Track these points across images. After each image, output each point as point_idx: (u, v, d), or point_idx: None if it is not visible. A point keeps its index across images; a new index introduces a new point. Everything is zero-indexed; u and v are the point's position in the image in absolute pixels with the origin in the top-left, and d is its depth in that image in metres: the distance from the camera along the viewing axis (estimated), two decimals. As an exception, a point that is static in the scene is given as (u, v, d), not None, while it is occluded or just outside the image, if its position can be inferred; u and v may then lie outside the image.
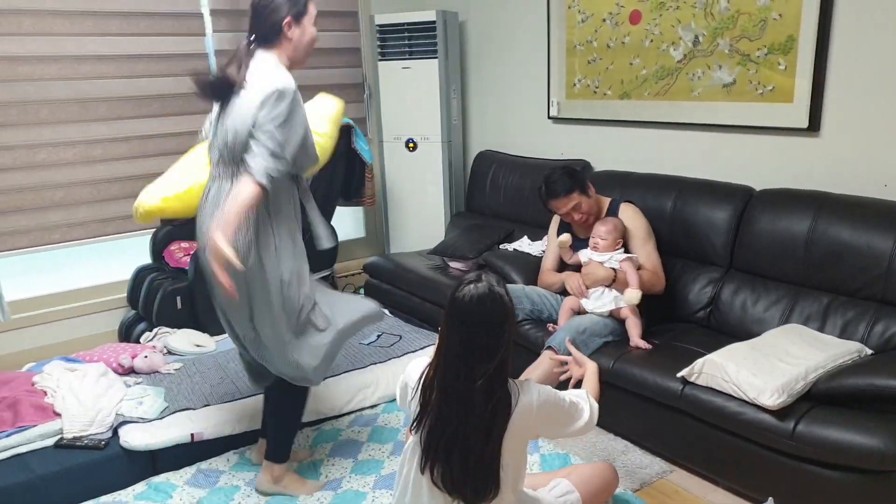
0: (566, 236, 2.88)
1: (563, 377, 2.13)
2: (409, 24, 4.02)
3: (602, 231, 2.78)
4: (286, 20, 2.02)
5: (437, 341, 1.61)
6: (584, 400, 1.75)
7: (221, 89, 2.03)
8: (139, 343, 3.21)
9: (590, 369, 1.97)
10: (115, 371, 2.87)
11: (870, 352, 2.25)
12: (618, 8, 3.35)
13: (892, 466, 1.84)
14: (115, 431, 2.40)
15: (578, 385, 1.95)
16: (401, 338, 3.20)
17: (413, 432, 1.63)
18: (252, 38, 2.07)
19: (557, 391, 1.69)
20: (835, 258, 2.45)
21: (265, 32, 2.05)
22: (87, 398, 2.48)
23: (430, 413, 1.57)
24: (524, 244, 3.57)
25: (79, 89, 3.40)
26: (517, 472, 1.67)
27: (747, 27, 2.86)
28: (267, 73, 1.99)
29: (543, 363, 2.57)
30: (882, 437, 1.84)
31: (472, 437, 1.53)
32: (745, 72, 2.90)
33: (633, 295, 2.67)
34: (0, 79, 3.19)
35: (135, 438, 2.34)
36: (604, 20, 3.43)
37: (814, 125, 2.70)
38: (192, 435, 2.43)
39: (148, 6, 3.51)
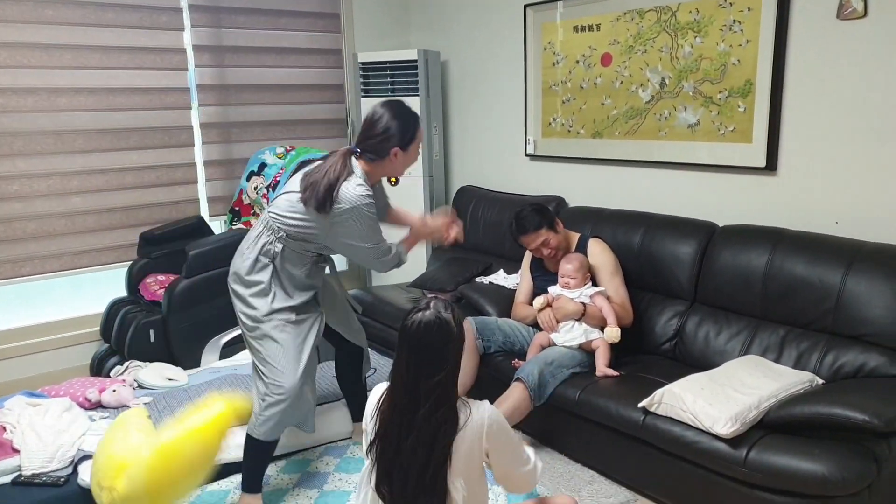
0: (540, 302, 2.93)
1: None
2: (391, 62, 4.16)
3: (570, 269, 2.87)
4: (394, 150, 2.25)
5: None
6: (533, 453, 1.80)
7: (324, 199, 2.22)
8: (110, 377, 3.19)
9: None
10: (82, 406, 2.85)
11: (821, 381, 2.33)
12: (590, 50, 3.50)
13: (834, 492, 1.90)
14: (75, 467, 2.38)
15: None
16: (375, 371, 3.25)
17: (367, 455, 1.69)
18: (357, 150, 2.27)
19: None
20: (790, 292, 2.54)
21: (372, 150, 2.26)
22: (47, 434, 2.46)
23: (381, 434, 1.64)
24: (500, 277, 3.65)
25: (55, 121, 3.44)
26: (475, 497, 1.69)
27: (709, 71, 3.00)
28: (349, 189, 2.20)
29: (514, 394, 2.63)
30: (825, 463, 1.91)
31: (413, 455, 1.59)
32: (707, 113, 3.03)
33: (613, 333, 2.75)
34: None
35: None
36: (577, 62, 3.58)
37: (771, 164, 2.82)
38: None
39: (129, 41, 3.58)
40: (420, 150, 2.38)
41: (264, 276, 2.29)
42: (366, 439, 1.71)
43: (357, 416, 2.78)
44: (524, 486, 1.79)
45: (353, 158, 2.28)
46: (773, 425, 2.12)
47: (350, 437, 2.88)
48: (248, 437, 2.32)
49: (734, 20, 2.87)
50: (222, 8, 3.88)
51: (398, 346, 1.63)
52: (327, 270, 2.54)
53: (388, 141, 2.24)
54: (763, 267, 2.62)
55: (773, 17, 2.72)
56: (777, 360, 2.51)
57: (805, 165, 2.74)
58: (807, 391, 2.22)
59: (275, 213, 2.30)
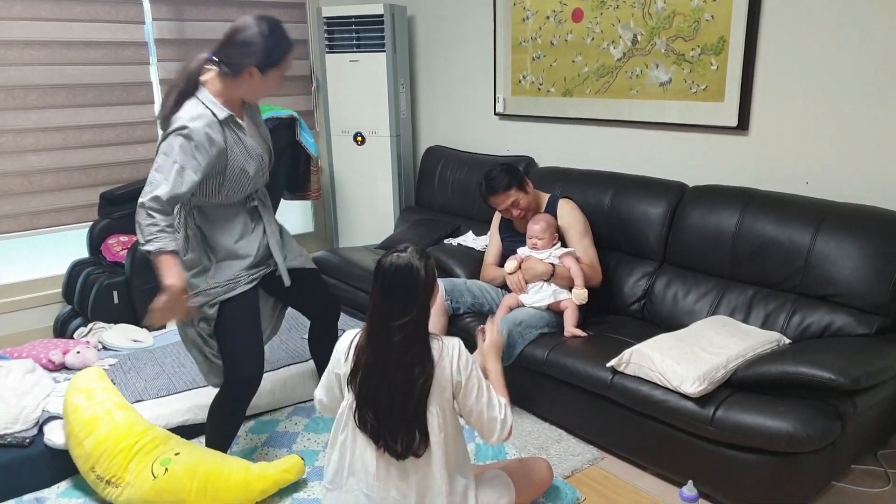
0: (511, 265, 2.88)
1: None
2: (356, 17, 4.01)
3: (537, 230, 2.83)
4: (250, 69, 1.99)
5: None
6: (506, 405, 1.82)
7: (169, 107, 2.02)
8: (73, 339, 3.14)
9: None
10: (46, 367, 2.80)
11: (788, 341, 2.35)
12: (561, 6, 3.41)
13: (799, 448, 1.93)
14: (41, 428, 2.34)
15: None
16: (343, 332, 3.18)
17: (346, 390, 1.78)
18: (214, 59, 2.01)
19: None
20: (759, 252, 2.54)
21: (227, 62, 2.00)
22: (10, 396, 2.41)
23: (361, 369, 1.73)
24: (469, 239, 3.60)
25: (6, 75, 3.27)
26: (450, 435, 1.77)
27: (682, 27, 2.94)
28: (190, 108, 1.98)
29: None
30: (791, 420, 1.93)
31: (396, 386, 1.70)
32: (680, 71, 2.98)
33: (580, 294, 2.74)
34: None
35: (58, 437, 2.27)
36: (548, 17, 3.48)
37: (743, 124, 2.79)
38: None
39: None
40: (282, 81, 2.07)
41: (196, 253, 2.14)
42: (341, 379, 1.79)
43: None
44: (490, 432, 1.80)
45: (207, 72, 2.02)
46: (740, 384, 2.13)
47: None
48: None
49: (709, -25, 2.80)
50: (178, -44, 3.68)
51: (373, 281, 1.73)
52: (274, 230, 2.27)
53: (246, 56, 1.96)
54: (733, 227, 2.61)
55: (747, -29, 2.67)
56: (745, 321, 2.52)
57: (777, 125, 2.71)
58: (774, 350, 2.24)
59: None
